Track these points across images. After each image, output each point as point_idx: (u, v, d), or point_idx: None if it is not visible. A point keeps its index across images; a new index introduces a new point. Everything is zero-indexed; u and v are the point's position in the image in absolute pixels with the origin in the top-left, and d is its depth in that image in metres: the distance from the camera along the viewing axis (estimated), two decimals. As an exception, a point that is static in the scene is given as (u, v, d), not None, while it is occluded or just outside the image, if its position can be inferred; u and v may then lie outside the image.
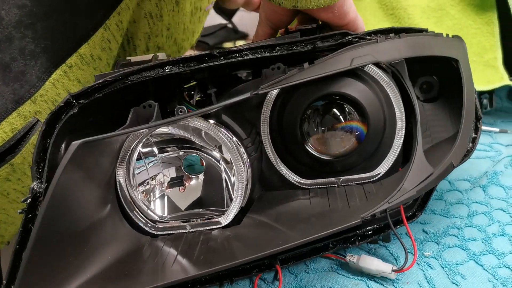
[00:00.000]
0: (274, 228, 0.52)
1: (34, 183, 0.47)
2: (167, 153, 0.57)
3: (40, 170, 0.48)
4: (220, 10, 1.36)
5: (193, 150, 0.57)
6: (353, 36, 0.55)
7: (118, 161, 0.53)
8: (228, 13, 1.38)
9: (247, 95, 0.50)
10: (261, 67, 0.55)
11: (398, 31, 0.58)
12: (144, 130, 0.51)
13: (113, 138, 0.49)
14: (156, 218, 0.56)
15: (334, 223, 0.50)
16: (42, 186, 0.47)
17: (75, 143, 0.44)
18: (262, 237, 0.51)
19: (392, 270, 0.58)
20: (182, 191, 0.59)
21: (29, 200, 0.47)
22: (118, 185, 0.54)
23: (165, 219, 0.57)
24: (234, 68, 0.58)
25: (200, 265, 0.48)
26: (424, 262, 0.61)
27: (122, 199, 0.55)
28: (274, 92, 0.58)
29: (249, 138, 0.57)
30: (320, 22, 0.63)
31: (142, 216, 0.56)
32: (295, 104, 0.59)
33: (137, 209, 0.55)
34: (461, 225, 0.65)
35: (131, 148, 0.53)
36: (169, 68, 0.52)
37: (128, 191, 0.55)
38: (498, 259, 0.60)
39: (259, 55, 0.55)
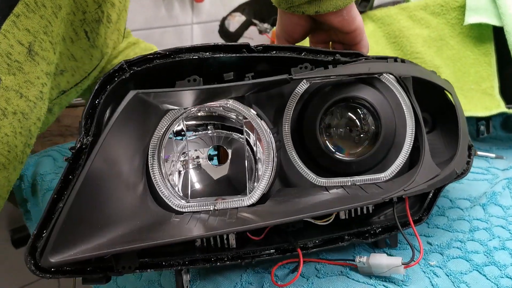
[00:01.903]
0: (299, 203, 0.56)
1: (81, 136, 0.51)
2: (199, 132, 0.61)
3: (88, 125, 0.52)
4: (225, 34, 1.43)
5: (224, 131, 0.61)
6: (366, 56, 0.65)
7: (155, 133, 0.57)
8: (232, 37, 1.43)
9: (284, 76, 0.56)
10: (289, 66, 0.62)
11: (402, 60, 0.67)
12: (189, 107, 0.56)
13: (162, 103, 0.54)
14: (181, 195, 0.59)
15: (356, 201, 0.55)
16: (89, 139, 0.51)
17: (132, 92, 0.48)
18: (290, 208, 0.54)
19: (402, 263, 0.60)
20: (210, 169, 0.62)
21: (74, 151, 0.50)
22: (150, 157, 0.57)
23: (190, 199, 0.60)
24: (268, 63, 0.64)
25: (229, 225, 0.51)
26: (430, 270, 0.64)
27: (151, 173, 0.58)
28: (299, 91, 0.64)
29: (274, 129, 0.62)
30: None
31: (169, 192, 0.58)
32: (316, 104, 0.65)
33: (164, 185, 0.58)
34: (464, 239, 0.68)
35: (172, 121, 0.57)
36: (218, 53, 0.58)
37: (160, 166, 0.58)
38: (500, 270, 0.63)
39: (289, 55, 0.62)
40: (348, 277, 0.62)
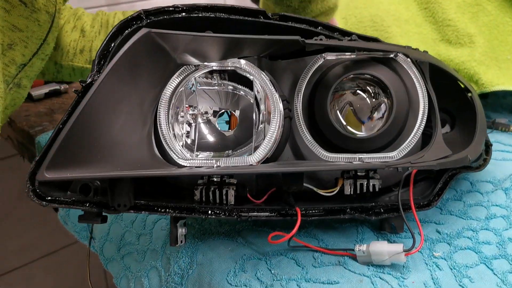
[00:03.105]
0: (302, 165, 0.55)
1: (93, 72, 0.53)
2: (210, 86, 0.62)
3: (101, 64, 0.54)
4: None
5: (235, 84, 0.62)
6: (384, 42, 0.66)
7: (168, 84, 0.58)
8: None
9: (297, 37, 0.57)
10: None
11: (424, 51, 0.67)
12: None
13: (175, 50, 0.55)
14: (186, 149, 0.60)
15: (357, 166, 0.54)
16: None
17: (144, 29, 0.50)
18: (291, 165, 0.54)
19: (403, 250, 0.58)
20: (216, 126, 0.62)
21: (84, 84, 0.52)
22: (159, 110, 0.58)
23: (195, 155, 0.60)
24: (283, 33, 0.65)
25: (226, 170, 0.51)
26: (433, 262, 0.61)
27: (158, 122, 0.58)
28: (314, 65, 0.65)
29: (283, 96, 0.62)
30: None
31: (173, 143, 0.59)
32: (329, 79, 0.65)
33: (169, 135, 0.59)
34: (477, 228, 0.65)
35: (185, 75, 0.59)
36: (234, 15, 0.60)
37: (167, 117, 0.59)
38: (511, 264, 0.60)
39: (305, 27, 0.63)
40: (345, 267, 0.60)
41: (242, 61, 0.58)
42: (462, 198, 0.72)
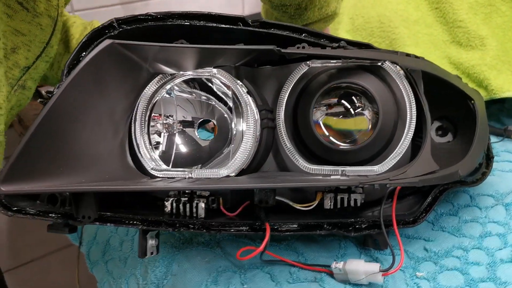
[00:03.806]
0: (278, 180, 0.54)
1: (61, 83, 0.53)
2: (185, 95, 0.61)
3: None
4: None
5: (211, 97, 0.61)
6: (376, 48, 0.62)
7: (143, 94, 0.58)
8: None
9: (271, 46, 0.55)
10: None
11: (417, 57, 0.63)
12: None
13: (145, 61, 0.54)
14: (160, 159, 0.59)
15: (333, 181, 0.52)
16: None
17: (108, 40, 0.49)
18: (264, 182, 0.53)
19: (380, 271, 0.56)
20: (192, 137, 0.61)
21: (50, 95, 0.52)
22: (133, 119, 0.58)
23: (168, 167, 0.59)
24: (263, 40, 0.63)
25: (193, 184, 0.50)
26: (414, 283, 0.58)
27: (133, 134, 0.58)
28: (297, 73, 0.62)
29: (263, 106, 0.60)
30: None
31: (147, 156, 0.58)
32: (312, 89, 0.63)
33: (143, 145, 0.58)
34: (468, 247, 0.61)
35: (160, 85, 0.58)
36: (211, 23, 0.58)
37: (142, 128, 0.58)
38: (498, 288, 0.56)
39: (287, 34, 0.61)
40: (320, 285, 0.58)
41: (214, 70, 0.57)
42: (458, 213, 0.68)
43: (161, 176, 0.57)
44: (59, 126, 0.49)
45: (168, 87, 0.59)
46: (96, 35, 0.55)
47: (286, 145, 0.62)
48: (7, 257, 1.43)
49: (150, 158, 0.58)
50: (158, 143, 0.60)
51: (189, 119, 0.61)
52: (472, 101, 0.68)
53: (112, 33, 0.55)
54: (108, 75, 0.52)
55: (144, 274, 0.65)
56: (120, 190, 0.47)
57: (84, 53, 0.54)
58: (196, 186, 0.50)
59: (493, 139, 0.84)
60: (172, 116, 0.61)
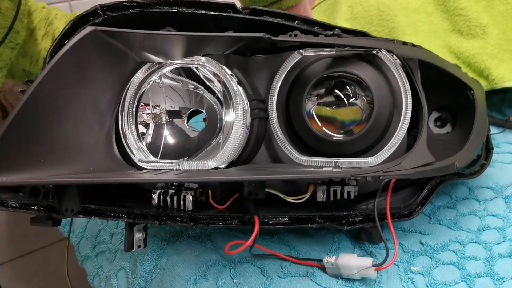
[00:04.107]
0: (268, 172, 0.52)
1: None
2: (174, 84, 0.59)
3: (53, 62, 0.52)
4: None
5: (199, 86, 0.59)
6: (372, 36, 0.60)
7: (130, 83, 0.56)
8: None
9: (260, 34, 0.53)
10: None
11: (414, 45, 0.61)
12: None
13: (130, 49, 0.52)
14: (148, 151, 0.57)
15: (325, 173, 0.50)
16: None
17: (90, 27, 0.47)
18: (254, 174, 0.51)
19: (373, 265, 0.54)
20: (182, 124, 0.60)
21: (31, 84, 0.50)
22: (120, 109, 0.56)
23: (156, 158, 0.57)
24: (254, 28, 0.61)
25: (180, 176, 0.48)
26: (409, 278, 0.56)
27: (120, 125, 0.56)
28: (290, 62, 0.60)
29: (254, 96, 0.59)
30: None
31: (134, 147, 0.57)
32: (305, 78, 0.61)
33: (131, 139, 0.57)
34: (465, 240, 0.60)
35: (147, 74, 0.56)
36: (200, 11, 0.56)
37: (129, 118, 0.57)
38: (495, 284, 0.54)
39: (279, 21, 0.59)
40: (312, 279, 0.56)
41: (203, 59, 0.55)
42: (456, 205, 0.67)
43: (148, 167, 0.56)
44: (40, 116, 0.47)
45: (156, 76, 0.57)
46: (80, 22, 0.53)
47: (279, 136, 0.61)
48: (5, 249, 1.42)
49: (137, 149, 0.56)
50: (145, 134, 0.58)
51: (177, 109, 0.59)
52: (472, 91, 0.67)
53: (97, 20, 0.54)
54: (91, 64, 0.50)
55: (133, 267, 0.63)
56: (103, 182, 0.45)
57: (67, 41, 0.53)
58: (182, 178, 0.48)
59: (494, 130, 0.82)
60: (160, 106, 0.59)
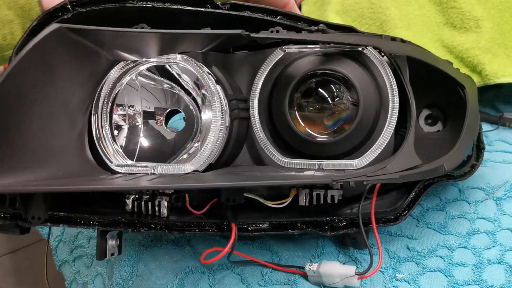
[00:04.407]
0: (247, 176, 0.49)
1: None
2: (149, 82, 0.56)
3: (20, 61, 0.49)
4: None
5: (175, 86, 0.56)
6: (359, 32, 0.57)
7: (102, 84, 0.53)
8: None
9: (238, 31, 0.50)
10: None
11: (403, 41, 0.58)
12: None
13: (101, 46, 0.50)
14: (122, 154, 0.55)
15: (304, 179, 0.48)
16: None
17: (55, 25, 0.45)
18: (231, 179, 0.49)
19: (356, 274, 0.52)
20: (158, 126, 0.57)
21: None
22: (93, 110, 0.54)
23: (131, 162, 0.55)
24: (234, 24, 0.58)
25: (155, 183, 0.46)
26: (393, 286, 0.54)
27: (93, 126, 0.54)
28: (272, 59, 0.58)
29: (234, 95, 0.56)
30: None
31: (108, 150, 0.54)
32: (288, 76, 0.58)
33: (104, 141, 0.54)
34: (453, 245, 0.57)
35: (122, 72, 0.53)
36: (176, 6, 0.54)
37: (102, 119, 0.54)
38: (484, 293, 0.52)
39: (260, 17, 0.56)
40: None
41: (179, 57, 0.52)
42: (446, 208, 0.64)
43: (122, 171, 0.53)
44: (1, 118, 0.44)
45: (130, 75, 0.54)
46: (47, 18, 0.50)
47: (260, 137, 0.58)
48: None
49: (111, 152, 0.54)
50: (120, 135, 0.55)
51: (152, 109, 0.57)
52: (463, 89, 0.64)
53: (66, 16, 0.51)
54: (59, 62, 0.48)
55: (110, 273, 0.61)
56: (69, 190, 0.43)
57: (33, 37, 0.50)
58: (155, 185, 0.46)
59: (487, 127, 0.79)
60: (134, 107, 0.56)
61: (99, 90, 0.54)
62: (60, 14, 0.51)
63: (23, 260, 1.46)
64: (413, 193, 0.58)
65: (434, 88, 0.64)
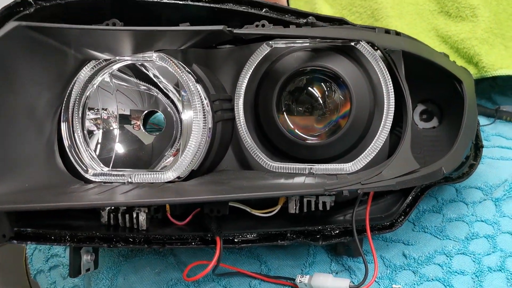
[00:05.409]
0: (231, 185, 0.45)
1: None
2: (124, 83, 0.52)
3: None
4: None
5: (152, 87, 0.52)
6: (351, 24, 0.54)
7: (71, 86, 0.49)
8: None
9: (220, 27, 0.45)
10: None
11: (397, 33, 0.54)
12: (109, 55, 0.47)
13: (64, 45, 0.45)
14: (96, 161, 0.50)
15: (294, 189, 0.44)
16: None
17: (14, 23, 0.40)
18: (214, 189, 0.45)
19: (350, 287, 0.49)
20: (135, 130, 0.53)
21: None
22: (62, 115, 0.49)
23: (105, 168, 0.50)
24: (219, 16, 0.54)
25: (129, 198, 0.42)
26: (390, 297, 0.51)
27: (63, 132, 0.49)
28: (258, 56, 0.53)
29: (217, 95, 0.52)
30: None
31: (81, 156, 0.50)
32: (275, 74, 0.54)
33: (76, 148, 0.50)
34: (452, 251, 0.54)
35: (93, 72, 0.49)
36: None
37: (73, 124, 0.49)
38: (485, 303, 0.49)
39: (244, 9, 0.52)
40: (282, 300, 0.51)
41: (154, 55, 0.47)
42: (443, 209, 0.61)
43: (97, 180, 0.49)
44: None
45: (102, 75, 0.50)
46: (7, 13, 0.45)
47: (247, 141, 0.54)
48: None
49: (84, 160, 0.49)
50: (92, 141, 0.51)
51: (128, 112, 0.52)
52: (461, 84, 0.60)
53: (27, 11, 0.46)
54: (19, 65, 0.43)
55: (87, 286, 0.57)
56: (33, 209, 0.39)
57: (-6, 34, 0.45)
58: (129, 201, 0.42)
59: (483, 121, 0.76)
60: (107, 110, 0.52)
61: (68, 92, 0.49)
62: (21, 9, 0.46)
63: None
64: (410, 198, 0.55)
65: (429, 82, 0.60)
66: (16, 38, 0.41)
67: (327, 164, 0.52)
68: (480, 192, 0.63)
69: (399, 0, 0.84)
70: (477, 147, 0.61)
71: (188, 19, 0.51)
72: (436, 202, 0.62)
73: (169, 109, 0.51)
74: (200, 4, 0.51)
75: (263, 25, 0.51)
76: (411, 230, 0.59)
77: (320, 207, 0.53)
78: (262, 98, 0.55)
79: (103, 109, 0.51)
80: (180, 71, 0.48)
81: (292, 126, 0.55)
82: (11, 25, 0.40)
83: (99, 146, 0.51)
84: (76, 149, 0.49)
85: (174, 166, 0.48)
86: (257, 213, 0.52)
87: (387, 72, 0.51)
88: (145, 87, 0.52)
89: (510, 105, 0.79)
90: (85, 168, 0.49)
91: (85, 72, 0.49)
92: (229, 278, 0.53)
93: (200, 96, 0.49)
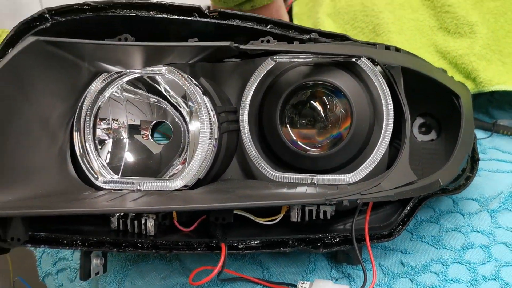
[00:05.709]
0: (236, 194, 0.47)
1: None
2: (133, 95, 0.54)
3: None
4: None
5: (161, 99, 0.54)
6: (352, 40, 0.55)
7: (83, 97, 0.51)
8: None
9: (227, 43, 0.48)
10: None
11: (397, 50, 0.56)
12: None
13: (81, 59, 0.47)
14: (106, 169, 0.52)
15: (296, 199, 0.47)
16: None
17: (32, 38, 0.42)
18: (220, 197, 0.47)
19: (349, 294, 0.51)
20: (144, 140, 0.55)
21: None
22: (75, 125, 0.51)
23: (114, 176, 0.53)
24: (223, 33, 0.56)
25: (138, 205, 0.44)
26: (387, 304, 0.53)
27: (75, 141, 0.51)
28: (262, 70, 0.56)
29: (223, 107, 0.54)
30: None
31: (92, 165, 0.52)
32: (279, 87, 0.56)
33: (88, 156, 0.52)
34: (448, 260, 0.56)
35: (105, 84, 0.51)
36: (161, 15, 0.51)
37: (85, 133, 0.52)
38: (479, 311, 0.51)
39: (250, 25, 0.54)
40: (282, 307, 0.53)
41: (164, 69, 0.50)
42: (440, 220, 0.63)
43: (107, 188, 0.51)
44: None
45: (113, 87, 0.52)
46: (25, 28, 0.48)
47: (251, 151, 0.56)
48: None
49: (95, 168, 0.52)
50: (103, 150, 0.53)
51: (138, 123, 0.54)
52: (458, 99, 0.62)
53: (44, 26, 0.48)
54: (36, 77, 0.45)
55: (95, 290, 0.59)
56: (47, 214, 0.41)
57: (11, 49, 0.47)
58: (139, 208, 0.44)
59: (480, 134, 0.78)
60: (118, 120, 0.54)
61: (80, 103, 0.51)
62: (38, 23, 0.48)
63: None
64: (408, 208, 0.57)
65: (428, 97, 0.63)
66: (34, 52, 0.43)
67: (328, 175, 0.54)
68: (476, 203, 0.64)
69: (400, 16, 0.86)
70: (474, 160, 0.63)
71: (196, 34, 0.53)
72: (433, 213, 0.64)
73: (177, 120, 0.53)
74: (208, 20, 0.53)
75: (268, 41, 0.53)
76: (409, 239, 0.61)
77: (321, 216, 0.55)
78: (266, 110, 0.57)
79: (113, 119, 0.54)
80: (188, 84, 0.50)
81: (295, 138, 0.57)
82: (29, 39, 0.43)
83: (109, 154, 0.53)
84: (88, 157, 0.52)
85: (182, 175, 0.50)
86: (260, 221, 0.53)
87: (387, 87, 0.53)
88: (154, 99, 0.54)
89: (507, 119, 0.81)
90: (96, 176, 0.51)
91: (96, 84, 0.51)
92: (233, 283, 0.55)
93: (207, 108, 0.51)
